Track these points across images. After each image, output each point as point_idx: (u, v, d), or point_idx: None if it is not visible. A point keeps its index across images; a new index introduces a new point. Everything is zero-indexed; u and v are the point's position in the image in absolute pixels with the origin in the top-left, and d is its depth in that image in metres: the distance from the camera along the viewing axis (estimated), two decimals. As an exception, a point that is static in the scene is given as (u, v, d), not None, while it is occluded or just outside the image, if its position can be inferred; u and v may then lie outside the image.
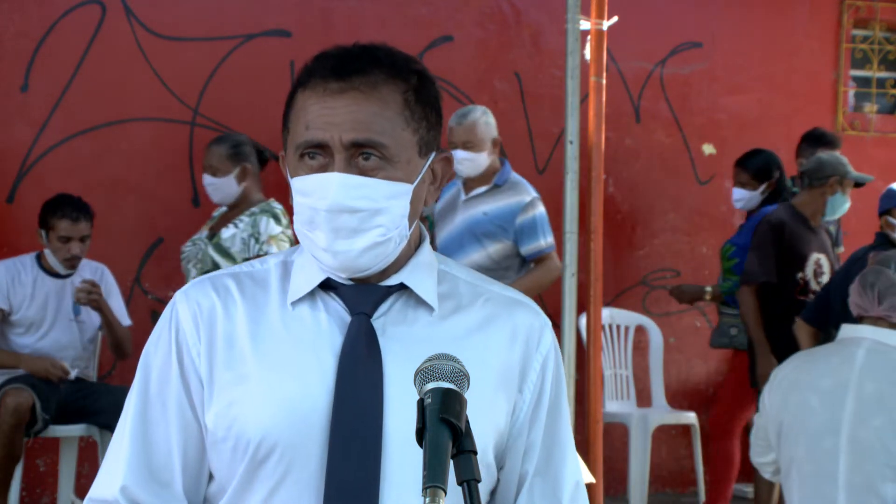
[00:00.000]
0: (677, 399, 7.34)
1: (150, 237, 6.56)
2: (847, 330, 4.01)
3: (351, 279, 1.91)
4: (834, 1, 7.88)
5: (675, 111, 7.58)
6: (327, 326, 1.90)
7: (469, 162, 5.71)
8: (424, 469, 1.51)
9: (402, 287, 1.92)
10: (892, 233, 5.67)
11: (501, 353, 1.93)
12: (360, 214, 1.84)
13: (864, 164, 7.06)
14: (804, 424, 3.91)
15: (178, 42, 6.63)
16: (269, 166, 5.86)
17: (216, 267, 5.35)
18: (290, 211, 6.32)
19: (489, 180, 5.75)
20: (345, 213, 1.84)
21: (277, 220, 5.42)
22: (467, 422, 1.57)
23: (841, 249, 6.89)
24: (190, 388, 1.90)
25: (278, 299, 1.93)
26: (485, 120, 5.71)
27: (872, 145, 7.93)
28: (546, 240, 5.66)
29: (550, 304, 6.00)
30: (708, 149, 7.60)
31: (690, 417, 6.84)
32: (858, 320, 4.02)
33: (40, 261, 5.99)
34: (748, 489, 7.10)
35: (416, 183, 1.89)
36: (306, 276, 1.93)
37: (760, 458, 4.16)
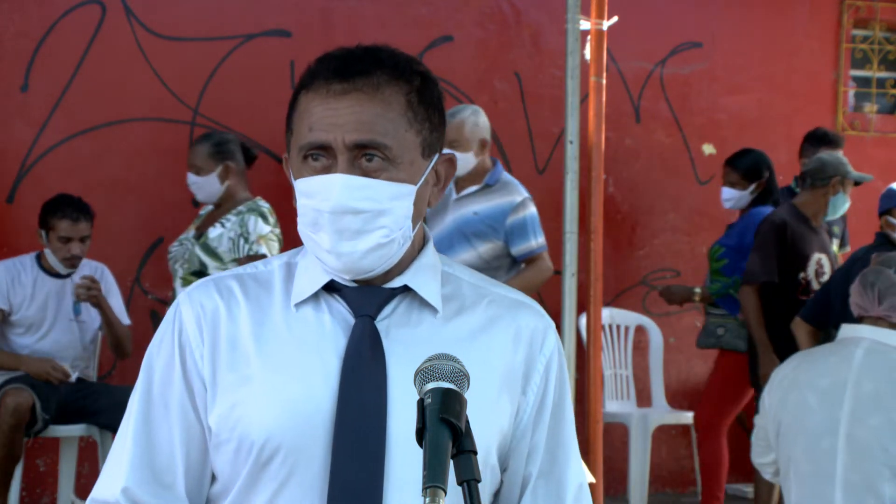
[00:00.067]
0: (677, 399, 7.34)
1: (150, 237, 6.56)
2: (847, 330, 4.02)
3: (355, 281, 1.91)
4: (834, 1, 7.88)
5: (675, 111, 7.58)
6: (331, 328, 1.90)
7: None
8: (424, 469, 1.51)
9: (405, 289, 1.92)
10: (893, 233, 5.67)
11: (505, 355, 1.93)
12: (364, 216, 1.84)
13: (864, 164, 7.06)
14: (802, 424, 3.91)
15: (178, 42, 6.63)
16: (257, 165, 5.86)
17: (203, 267, 5.34)
18: (281, 211, 6.33)
19: (480, 180, 5.72)
20: (348, 215, 1.84)
21: (265, 218, 5.39)
22: (467, 422, 1.57)
23: (848, 249, 6.88)
24: (193, 390, 1.90)
25: (282, 301, 1.93)
26: (473, 120, 5.66)
27: (872, 145, 7.93)
28: (537, 240, 5.62)
29: (550, 304, 5.99)
30: (708, 149, 7.60)
31: (690, 417, 6.84)
32: (859, 320, 4.02)
33: (40, 261, 5.99)
34: (748, 489, 7.10)
35: (419, 184, 1.89)
36: (310, 278, 1.92)
37: (761, 458, 4.16)
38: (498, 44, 7.21)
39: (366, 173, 1.84)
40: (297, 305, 1.92)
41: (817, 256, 6.05)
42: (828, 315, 5.44)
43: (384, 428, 1.83)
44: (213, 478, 1.93)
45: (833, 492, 3.80)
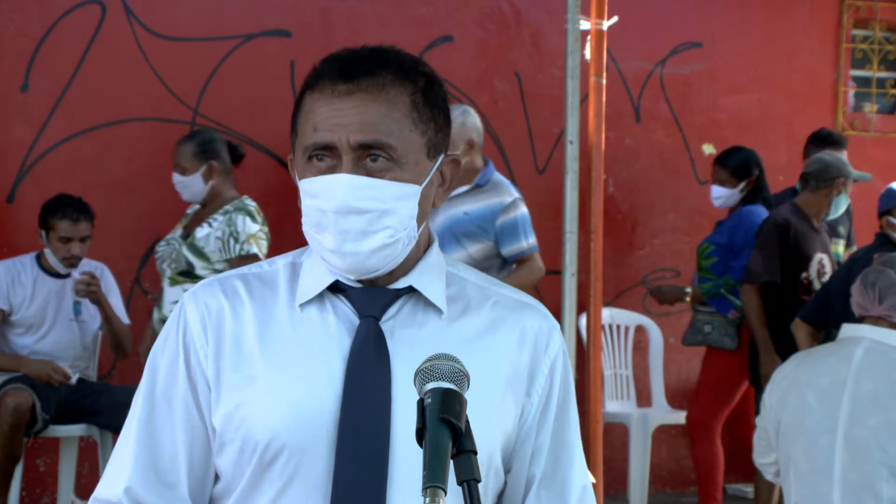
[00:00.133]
0: (677, 399, 7.34)
1: (150, 237, 6.55)
2: (847, 329, 4.02)
3: (360, 281, 1.91)
4: (834, 1, 7.88)
5: (675, 111, 7.59)
6: (336, 329, 1.89)
7: None
8: (424, 469, 1.51)
9: (410, 290, 1.92)
10: (893, 233, 5.67)
11: (510, 356, 1.93)
12: (368, 216, 1.84)
13: (864, 164, 7.06)
14: (801, 423, 3.92)
15: (178, 42, 6.63)
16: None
17: (190, 267, 5.32)
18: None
19: (471, 180, 5.68)
20: (353, 215, 1.84)
21: (253, 217, 5.36)
22: (467, 422, 1.57)
23: (854, 249, 6.88)
24: (197, 390, 1.90)
25: (286, 301, 1.93)
26: (461, 120, 5.62)
27: (872, 145, 7.93)
28: (527, 241, 5.57)
29: (550, 304, 5.96)
30: (708, 149, 7.59)
31: (690, 417, 6.83)
32: (860, 320, 4.02)
33: (40, 261, 5.99)
34: (748, 489, 7.10)
35: (424, 184, 1.89)
36: (315, 278, 1.92)
37: (762, 458, 4.16)
38: (498, 44, 7.21)
39: (370, 173, 1.84)
40: (302, 305, 1.91)
41: (819, 256, 6.06)
42: (827, 315, 5.45)
43: (388, 429, 1.83)
44: (216, 478, 1.93)
45: (831, 491, 3.80)
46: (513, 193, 5.59)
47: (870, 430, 3.78)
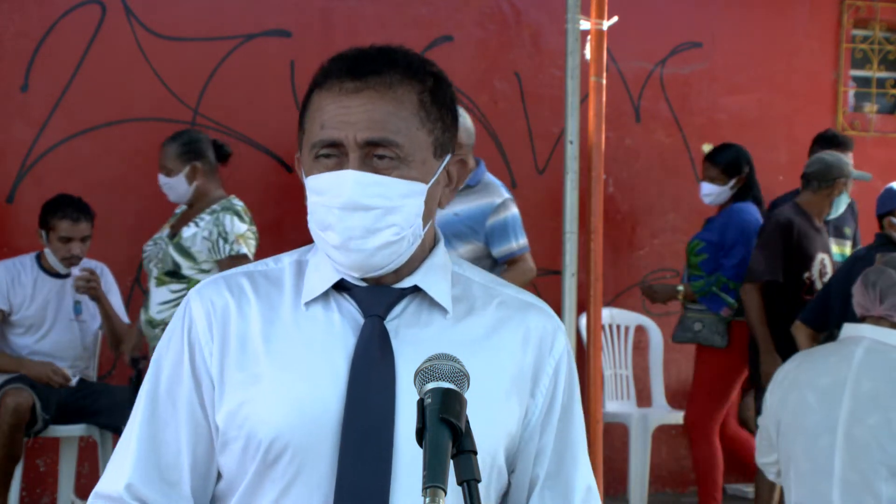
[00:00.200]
0: (677, 399, 7.33)
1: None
2: (848, 329, 4.02)
3: (364, 280, 1.91)
4: (834, 1, 7.88)
5: (675, 111, 7.58)
6: (340, 328, 1.89)
7: None
8: (424, 469, 1.51)
9: (415, 289, 1.92)
10: (895, 233, 5.67)
11: (514, 357, 1.93)
12: (374, 212, 1.84)
13: (864, 164, 7.07)
14: (801, 423, 3.92)
15: (178, 42, 6.63)
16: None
17: (177, 267, 5.28)
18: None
19: None
20: (358, 211, 1.84)
21: (241, 217, 5.32)
22: (467, 422, 1.57)
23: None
24: (201, 387, 1.90)
25: (292, 299, 1.93)
26: None
27: (872, 145, 7.93)
28: (518, 242, 5.53)
29: (550, 304, 5.97)
30: (708, 148, 7.55)
31: (690, 417, 6.83)
32: (861, 320, 4.02)
33: (40, 261, 5.99)
34: (748, 489, 7.10)
35: (430, 183, 1.89)
36: (320, 277, 1.92)
37: (764, 458, 4.17)
38: (498, 44, 7.21)
39: (377, 171, 1.84)
40: (307, 304, 1.91)
41: (821, 256, 6.06)
42: (827, 317, 5.45)
43: (392, 428, 1.83)
44: (219, 476, 1.93)
45: (831, 490, 3.80)
46: (503, 194, 5.52)
47: (869, 429, 3.78)
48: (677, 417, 6.93)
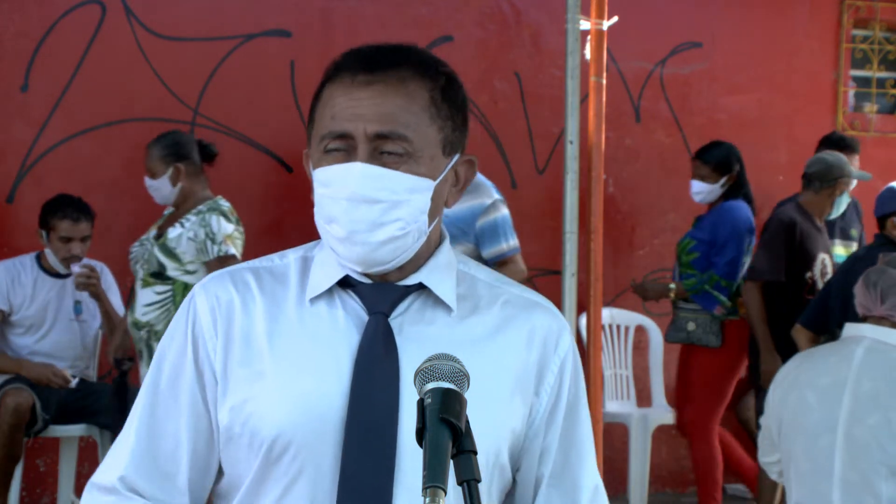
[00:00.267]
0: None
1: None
2: (849, 329, 4.03)
3: (369, 276, 1.90)
4: (834, 1, 7.88)
5: (675, 111, 7.58)
6: (344, 325, 1.89)
7: None
8: (424, 469, 1.51)
9: (420, 287, 1.92)
10: (896, 234, 5.67)
11: (519, 356, 1.93)
12: (380, 206, 1.83)
13: (864, 164, 7.07)
14: (802, 422, 3.92)
15: (178, 42, 6.63)
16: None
17: (162, 268, 5.25)
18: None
19: None
20: (364, 204, 1.83)
21: (227, 217, 5.29)
22: (467, 421, 1.57)
23: None
24: (204, 382, 1.90)
25: (296, 295, 1.93)
26: None
27: (872, 145, 7.93)
28: (508, 243, 5.50)
29: (550, 304, 5.98)
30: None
31: (690, 417, 6.82)
32: (862, 319, 4.02)
33: (40, 261, 5.99)
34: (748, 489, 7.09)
35: (438, 180, 1.88)
36: (325, 273, 1.92)
37: (767, 457, 4.17)
38: (498, 44, 7.21)
39: (385, 165, 1.84)
40: (312, 300, 1.91)
41: (822, 256, 6.07)
42: (827, 319, 5.45)
43: (396, 425, 1.83)
44: (221, 473, 1.93)
45: (831, 490, 3.80)
46: (493, 195, 5.49)
47: (869, 429, 3.78)
48: (677, 417, 6.93)
